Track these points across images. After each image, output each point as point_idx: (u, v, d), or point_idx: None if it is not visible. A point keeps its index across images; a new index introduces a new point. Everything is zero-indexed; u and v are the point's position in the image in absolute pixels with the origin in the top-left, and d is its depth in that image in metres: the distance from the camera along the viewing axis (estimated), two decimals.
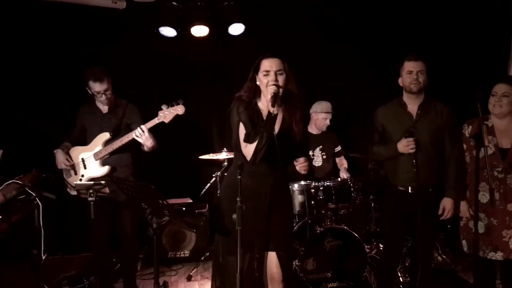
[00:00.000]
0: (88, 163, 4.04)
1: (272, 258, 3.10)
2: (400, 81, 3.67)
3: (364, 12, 5.46)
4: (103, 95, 3.94)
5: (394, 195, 3.65)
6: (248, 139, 2.92)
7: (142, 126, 3.78)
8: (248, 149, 2.94)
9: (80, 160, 4.07)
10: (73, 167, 4.08)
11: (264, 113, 2.99)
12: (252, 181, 3.01)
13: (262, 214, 3.03)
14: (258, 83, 3.00)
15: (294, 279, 3.14)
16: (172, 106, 3.74)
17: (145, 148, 3.93)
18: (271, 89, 2.85)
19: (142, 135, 3.77)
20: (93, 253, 4.06)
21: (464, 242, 3.62)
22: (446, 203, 3.56)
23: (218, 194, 3.30)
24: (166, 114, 3.73)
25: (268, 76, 2.91)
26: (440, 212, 3.59)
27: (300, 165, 2.95)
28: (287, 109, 3.00)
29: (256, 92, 3.03)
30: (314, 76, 5.51)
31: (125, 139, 3.90)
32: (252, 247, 2.98)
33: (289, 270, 3.19)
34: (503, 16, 5.33)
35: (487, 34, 5.40)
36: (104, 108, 4.06)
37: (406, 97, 3.65)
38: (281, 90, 2.91)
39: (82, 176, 4.03)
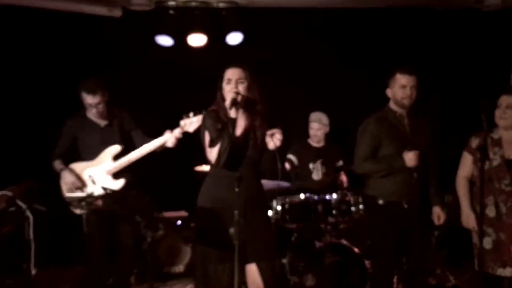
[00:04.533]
0: (98, 179, 3.94)
1: (253, 270, 3.07)
2: (389, 92, 3.57)
3: (366, 22, 5.41)
4: (94, 108, 3.92)
5: (385, 211, 3.54)
6: (212, 144, 3.09)
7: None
8: (213, 153, 3.09)
9: (88, 177, 3.98)
10: (83, 184, 3.99)
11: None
12: (222, 191, 3.09)
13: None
14: (223, 91, 3.18)
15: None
16: (196, 115, 3.72)
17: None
18: (230, 95, 3.07)
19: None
20: (86, 267, 3.97)
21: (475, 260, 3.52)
22: (438, 211, 3.62)
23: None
24: (193, 122, 3.71)
25: (230, 84, 3.12)
26: (436, 221, 3.63)
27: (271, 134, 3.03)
28: (248, 115, 3.14)
29: (223, 100, 3.20)
30: (313, 86, 5.46)
31: (146, 148, 3.89)
32: (230, 259, 2.93)
33: (271, 281, 3.11)
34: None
35: (494, 41, 5.36)
36: (101, 122, 4.02)
37: (395, 109, 3.57)
38: (239, 96, 3.06)
39: (92, 193, 3.91)
